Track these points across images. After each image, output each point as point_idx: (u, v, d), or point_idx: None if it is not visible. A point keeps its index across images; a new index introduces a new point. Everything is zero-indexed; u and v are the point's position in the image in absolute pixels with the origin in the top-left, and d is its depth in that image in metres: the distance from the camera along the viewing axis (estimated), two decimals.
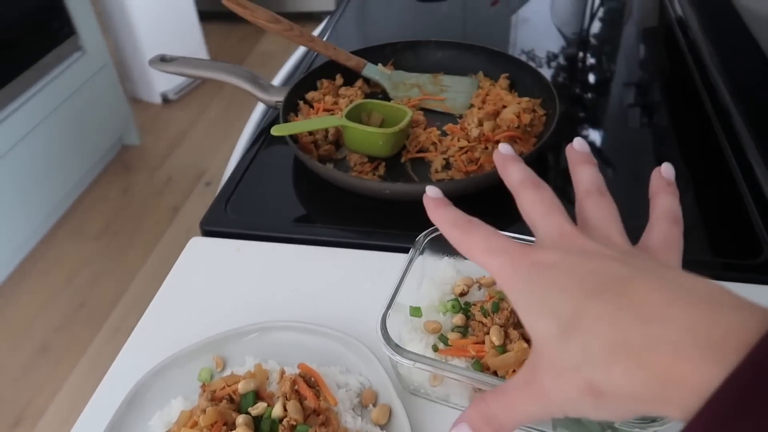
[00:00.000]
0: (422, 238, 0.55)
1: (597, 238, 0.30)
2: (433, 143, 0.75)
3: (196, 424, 0.43)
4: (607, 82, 1.01)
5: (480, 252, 0.29)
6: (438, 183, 0.68)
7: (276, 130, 0.70)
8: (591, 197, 0.32)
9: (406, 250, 0.54)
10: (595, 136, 0.85)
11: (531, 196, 0.32)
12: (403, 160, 0.74)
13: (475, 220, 0.31)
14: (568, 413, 0.26)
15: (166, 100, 2.71)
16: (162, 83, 2.66)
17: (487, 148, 0.72)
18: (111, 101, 2.26)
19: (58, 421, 1.52)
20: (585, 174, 0.34)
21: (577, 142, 0.36)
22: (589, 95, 0.98)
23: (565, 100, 0.77)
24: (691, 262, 0.55)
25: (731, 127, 0.77)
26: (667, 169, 0.35)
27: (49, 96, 1.93)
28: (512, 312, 0.49)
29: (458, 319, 0.51)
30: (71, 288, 1.89)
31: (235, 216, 0.69)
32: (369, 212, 0.69)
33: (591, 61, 1.09)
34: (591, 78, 1.03)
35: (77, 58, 2.06)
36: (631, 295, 0.24)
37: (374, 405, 0.48)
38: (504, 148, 0.36)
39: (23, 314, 1.81)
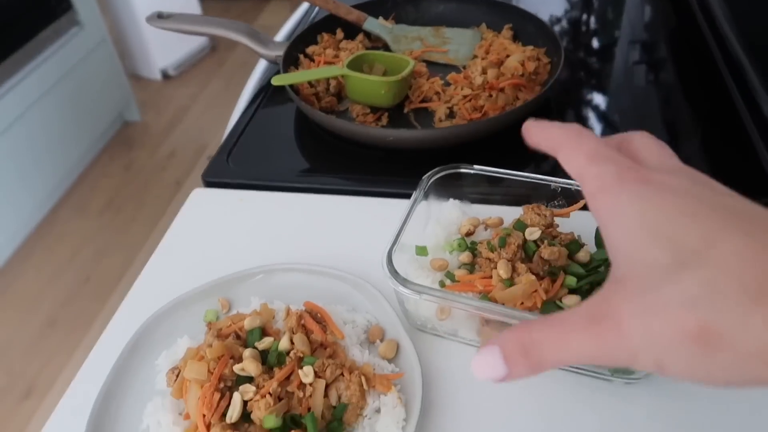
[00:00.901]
0: (426, 178, 0.54)
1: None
2: (436, 93, 0.74)
3: (202, 358, 0.43)
4: (611, 42, 0.99)
5: (583, 154, 0.24)
6: (442, 129, 0.67)
7: (276, 80, 0.69)
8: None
9: (409, 197, 0.53)
10: (599, 99, 0.83)
11: (644, 137, 0.27)
12: (405, 110, 0.73)
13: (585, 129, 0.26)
14: (640, 361, 0.21)
15: (166, 76, 2.69)
16: (161, 59, 2.64)
17: (491, 95, 0.70)
18: (110, 77, 2.24)
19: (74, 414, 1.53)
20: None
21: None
22: (594, 57, 0.96)
23: (568, 64, 0.75)
24: None
25: (743, 80, 0.75)
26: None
27: (46, 72, 1.92)
28: (519, 247, 0.49)
29: (465, 256, 0.51)
30: (76, 263, 1.89)
31: (237, 167, 0.68)
32: (372, 162, 0.68)
33: (595, 21, 1.07)
34: (595, 39, 1.01)
35: (75, 33, 2.04)
36: None
37: (381, 341, 0.48)
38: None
39: (30, 290, 1.81)
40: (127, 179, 2.21)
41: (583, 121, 0.77)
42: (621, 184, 0.23)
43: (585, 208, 0.54)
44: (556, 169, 0.64)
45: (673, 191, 0.22)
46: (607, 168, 0.23)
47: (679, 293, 0.20)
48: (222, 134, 0.75)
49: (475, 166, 0.55)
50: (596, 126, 0.76)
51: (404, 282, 0.45)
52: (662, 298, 0.20)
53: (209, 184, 0.67)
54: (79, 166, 2.19)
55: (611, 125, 0.77)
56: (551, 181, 0.54)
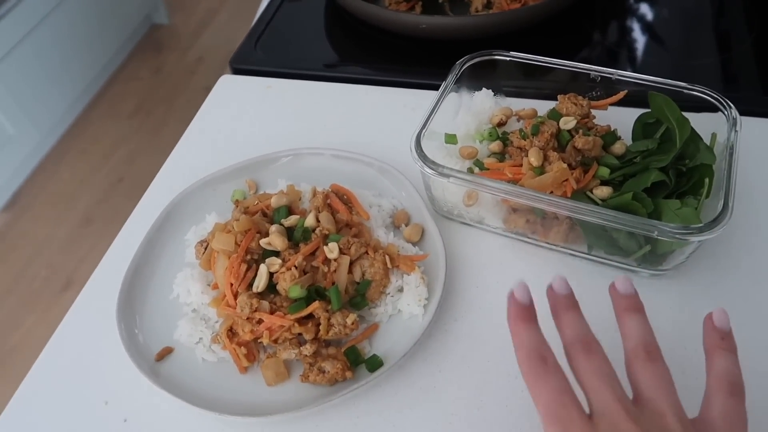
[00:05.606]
0: (460, 64, 0.52)
1: (648, 415, 0.27)
2: None
3: (230, 232, 0.43)
4: None
5: (542, 408, 0.27)
6: (478, 17, 0.64)
7: None
8: (639, 360, 0.29)
9: (438, 89, 0.51)
10: (645, 7, 0.76)
11: (583, 364, 0.29)
12: (440, 0, 0.70)
13: (551, 361, 0.28)
14: None
15: None
16: None
17: None
18: None
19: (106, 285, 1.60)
20: (633, 327, 0.30)
21: (621, 282, 0.31)
22: None
23: None
24: (742, 100, 0.51)
25: None
26: (720, 318, 0.30)
27: None
28: (552, 135, 0.47)
29: (495, 145, 0.49)
30: (109, 164, 1.92)
31: (265, 54, 0.66)
32: (402, 53, 0.66)
33: None
34: None
35: None
36: None
37: (406, 225, 0.48)
38: (559, 283, 0.31)
39: (65, 188, 1.86)
40: (156, 83, 2.20)
41: (624, 17, 0.72)
42: None
43: (623, 101, 0.52)
44: (596, 60, 0.61)
45: None
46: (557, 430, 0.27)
47: None
48: None
49: (511, 53, 0.52)
50: (640, 34, 0.71)
51: (432, 164, 0.44)
52: None
53: (237, 71, 0.66)
54: (109, 68, 2.19)
55: (656, 28, 0.72)
56: (591, 70, 0.51)
